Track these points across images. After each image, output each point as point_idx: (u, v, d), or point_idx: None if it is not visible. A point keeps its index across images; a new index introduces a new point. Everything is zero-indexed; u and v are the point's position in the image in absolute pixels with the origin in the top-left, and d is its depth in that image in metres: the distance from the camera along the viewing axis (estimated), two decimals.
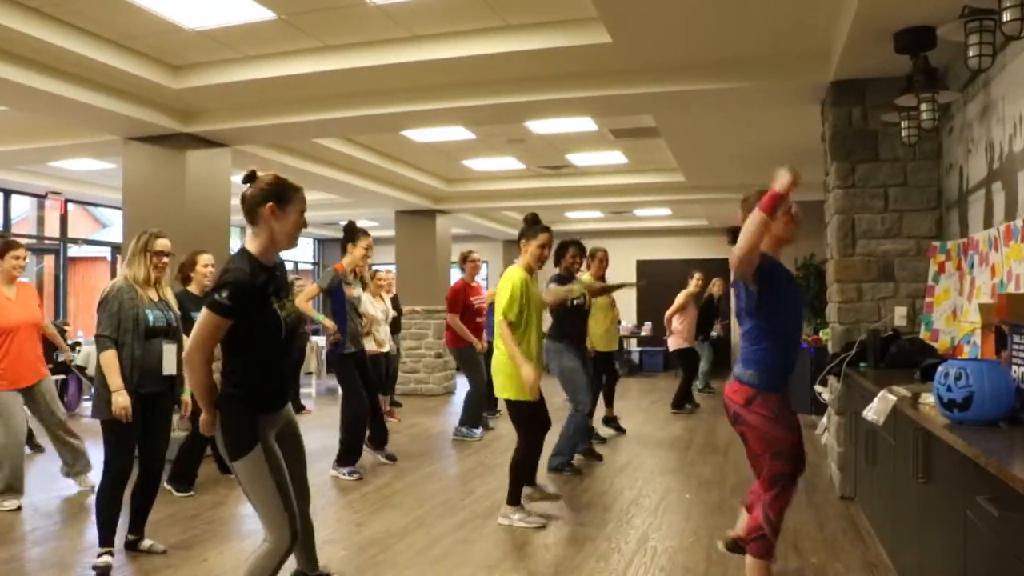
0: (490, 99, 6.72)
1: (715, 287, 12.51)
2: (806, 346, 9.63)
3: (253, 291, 3.05)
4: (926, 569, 3.38)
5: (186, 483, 6.12)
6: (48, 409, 5.94)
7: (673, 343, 11.08)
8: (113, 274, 13.17)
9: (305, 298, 6.32)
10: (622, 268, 16.73)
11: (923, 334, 5.56)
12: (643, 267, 17.79)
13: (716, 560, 4.53)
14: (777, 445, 3.63)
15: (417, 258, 13.26)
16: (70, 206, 12.64)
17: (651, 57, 6.02)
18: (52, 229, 13.02)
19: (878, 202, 5.91)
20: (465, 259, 8.89)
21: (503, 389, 5.31)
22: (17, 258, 5.68)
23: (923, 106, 4.88)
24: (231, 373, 3.13)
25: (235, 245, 16.14)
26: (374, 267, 9.03)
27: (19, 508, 5.67)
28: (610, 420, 8.93)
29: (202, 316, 3.02)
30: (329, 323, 6.47)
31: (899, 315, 5.83)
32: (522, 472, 5.39)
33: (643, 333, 16.52)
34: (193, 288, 5.95)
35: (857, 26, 4.81)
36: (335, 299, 6.55)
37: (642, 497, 6.02)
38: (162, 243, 4.64)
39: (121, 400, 4.33)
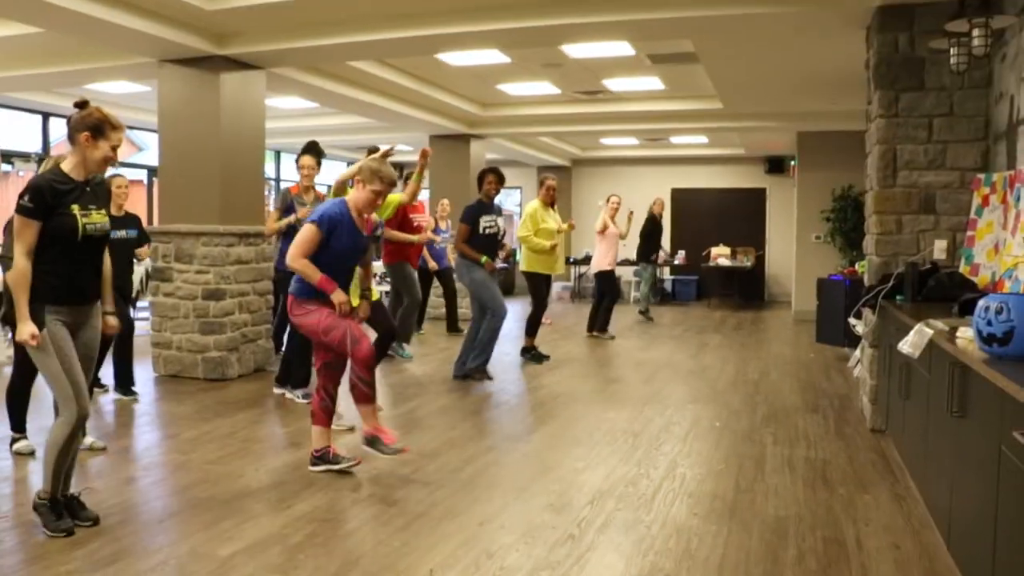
0: (526, 22, 6.60)
1: (656, 206, 12.35)
2: (840, 278, 9.53)
3: (50, 193, 3.58)
4: (956, 502, 3.38)
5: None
6: None
7: (593, 266, 11.00)
8: (150, 197, 13.28)
9: (271, 222, 6.73)
10: (658, 196, 16.62)
11: (963, 268, 5.48)
12: (678, 195, 17.64)
13: (744, 488, 4.57)
14: (320, 325, 4.58)
15: (451, 183, 13.20)
16: None
17: None
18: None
19: (922, 132, 5.77)
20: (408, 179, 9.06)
21: None
22: None
23: (975, 31, 4.72)
24: (34, 267, 3.60)
25: (270, 169, 16.17)
26: None
27: None
28: (528, 350, 8.91)
29: (15, 221, 3.58)
30: (302, 212, 6.38)
31: (939, 248, 5.74)
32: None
33: (676, 262, 16.45)
34: (112, 209, 6.15)
35: None
36: (286, 217, 6.61)
37: (672, 425, 6.06)
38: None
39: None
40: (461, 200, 11.80)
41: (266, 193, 9.41)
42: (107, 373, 6.71)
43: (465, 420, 6.16)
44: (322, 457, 4.76)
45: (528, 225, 8.59)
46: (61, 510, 3.81)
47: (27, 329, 3.56)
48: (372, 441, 4.75)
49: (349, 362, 4.68)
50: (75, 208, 3.64)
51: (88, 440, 5.05)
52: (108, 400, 6.59)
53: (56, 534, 3.72)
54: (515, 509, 4.21)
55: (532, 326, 8.88)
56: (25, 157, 11.43)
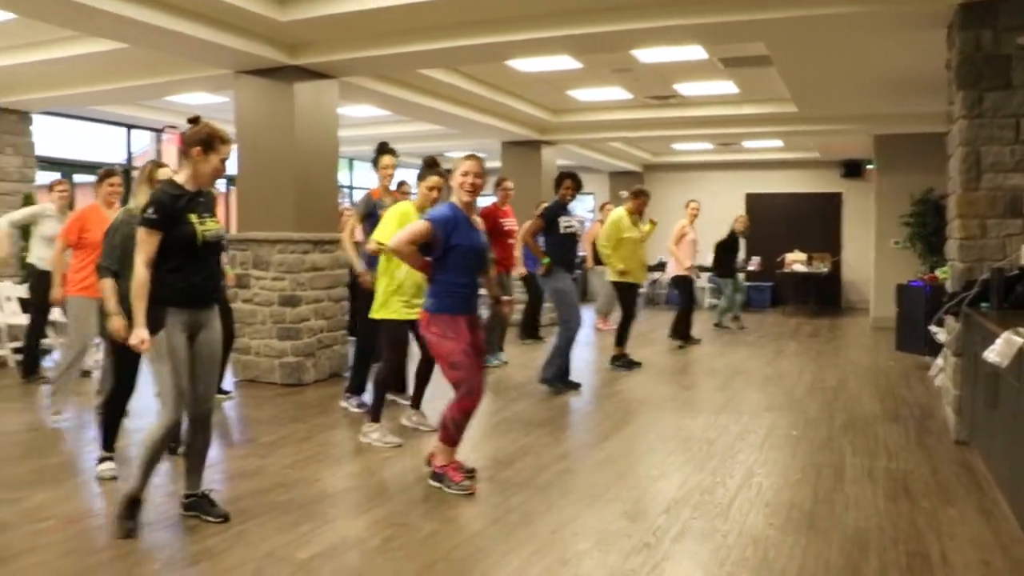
0: (596, 27, 6.58)
1: (738, 223, 12.20)
2: (921, 284, 9.29)
3: (172, 206, 3.77)
4: None
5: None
6: None
7: (670, 270, 11.22)
8: (227, 206, 13.59)
9: (348, 234, 6.53)
10: (731, 201, 16.39)
11: None
12: (752, 200, 17.39)
13: (823, 498, 4.48)
14: (451, 357, 4.48)
15: (523, 189, 13.18)
16: None
17: None
18: (170, 162, 13.40)
19: (1008, 133, 5.58)
20: (499, 184, 9.19)
21: (373, 310, 5.64)
22: (112, 185, 6.12)
23: None
24: (156, 273, 3.76)
25: (343, 177, 16.41)
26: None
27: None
28: (617, 358, 8.77)
29: (139, 232, 3.76)
30: (365, 277, 6.20)
31: None
32: (380, 390, 5.65)
33: (751, 268, 16.17)
34: None
35: None
36: (370, 224, 6.34)
37: (748, 433, 5.97)
38: (163, 172, 4.84)
39: (116, 323, 4.48)
40: (533, 208, 11.85)
41: (340, 201, 9.54)
42: None
43: (540, 426, 6.15)
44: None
45: (610, 233, 8.53)
46: (135, 511, 3.90)
47: (140, 334, 3.71)
48: (440, 478, 4.61)
49: (451, 401, 4.56)
50: (192, 217, 3.83)
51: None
52: None
53: (118, 534, 3.83)
54: (589, 516, 4.19)
55: (622, 335, 8.79)
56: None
